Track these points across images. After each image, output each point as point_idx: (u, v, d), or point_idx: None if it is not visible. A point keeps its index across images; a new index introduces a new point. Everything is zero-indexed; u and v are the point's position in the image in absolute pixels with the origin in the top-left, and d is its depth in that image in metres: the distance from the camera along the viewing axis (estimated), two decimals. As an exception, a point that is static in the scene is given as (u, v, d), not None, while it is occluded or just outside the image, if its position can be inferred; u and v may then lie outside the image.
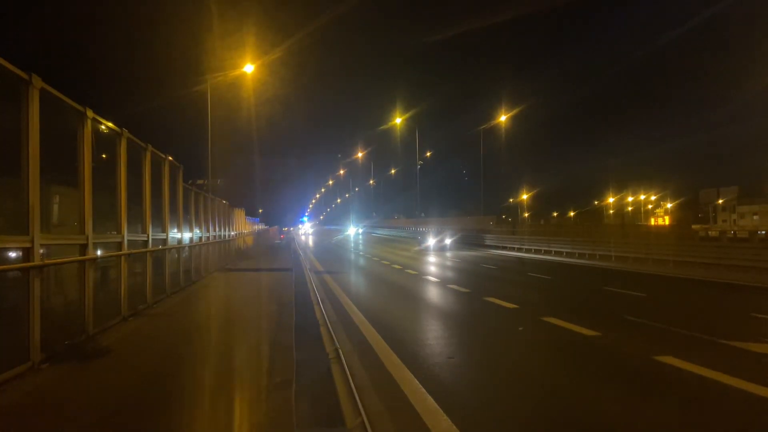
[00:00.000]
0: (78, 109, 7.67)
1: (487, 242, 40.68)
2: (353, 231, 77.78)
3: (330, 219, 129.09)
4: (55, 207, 8.27)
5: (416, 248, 38.60)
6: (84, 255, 7.69)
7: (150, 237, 11.29)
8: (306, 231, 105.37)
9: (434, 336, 9.09)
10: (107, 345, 7.43)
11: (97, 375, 6.29)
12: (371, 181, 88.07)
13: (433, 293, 15.04)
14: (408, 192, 74.84)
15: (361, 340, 8.58)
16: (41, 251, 6.42)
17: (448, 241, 38.55)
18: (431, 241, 38.66)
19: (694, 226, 61.68)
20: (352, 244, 51.81)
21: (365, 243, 53.49)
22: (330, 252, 39.95)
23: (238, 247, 30.42)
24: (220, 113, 27.67)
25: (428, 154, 72.50)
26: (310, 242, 61.42)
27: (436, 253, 33.75)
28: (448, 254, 32.55)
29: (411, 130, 65.74)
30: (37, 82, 6.28)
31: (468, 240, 43.12)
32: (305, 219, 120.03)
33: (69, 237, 7.88)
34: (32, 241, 6.21)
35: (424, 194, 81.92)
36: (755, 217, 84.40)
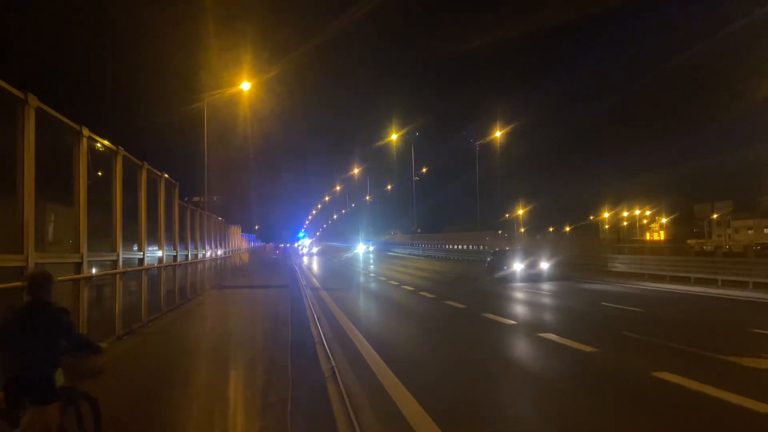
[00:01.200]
0: (74, 127, 7.69)
1: (618, 267, 25.89)
2: (362, 248, 67.12)
3: (329, 235, 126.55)
4: (50, 225, 8.25)
5: (490, 277, 25.41)
6: (79, 273, 7.66)
7: (145, 255, 11.26)
8: (309, 249, 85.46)
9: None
10: (101, 364, 7.36)
11: (91, 395, 6.21)
12: (367, 197, 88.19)
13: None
14: (414, 208, 73.60)
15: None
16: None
17: (544, 266, 24.62)
18: (516, 266, 24.37)
19: (689, 241, 61.94)
20: (371, 267, 38.83)
21: (392, 267, 37.59)
22: (339, 277, 30.60)
23: (234, 264, 30.35)
24: (217, 130, 27.85)
25: (424, 170, 72.85)
26: (315, 265, 45.74)
27: (534, 286, 20.86)
28: (555, 287, 20.48)
29: (409, 146, 66.25)
30: (33, 101, 6.30)
31: (568, 263, 28.20)
32: (302, 234, 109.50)
33: (64, 255, 7.84)
34: (27, 260, 6.18)
35: (424, 210, 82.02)
36: (750, 232, 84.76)
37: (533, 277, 23.64)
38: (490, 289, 20.58)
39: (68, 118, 7.46)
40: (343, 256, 61.12)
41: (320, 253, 75.87)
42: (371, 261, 49.03)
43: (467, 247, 49.50)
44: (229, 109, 27.28)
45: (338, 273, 34.82)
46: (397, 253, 65.47)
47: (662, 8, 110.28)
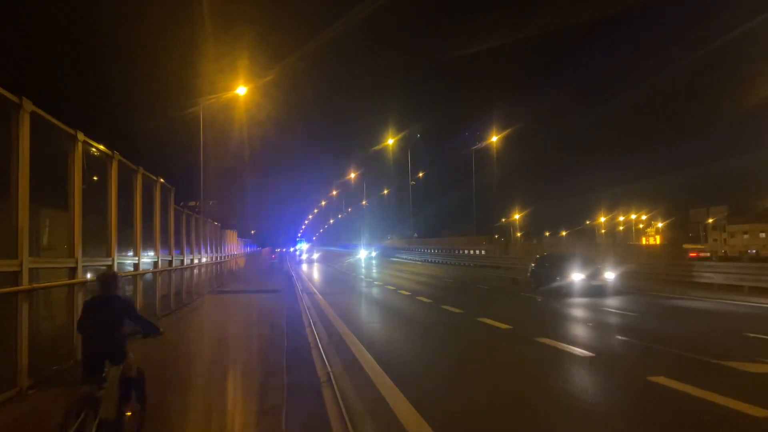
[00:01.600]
0: (69, 132, 7.66)
1: (707, 277, 20.76)
2: (364, 254, 66.52)
3: (326, 239, 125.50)
4: (45, 230, 8.21)
5: (542, 288, 20.23)
6: (73, 278, 7.62)
7: (140, 259, 11.22)
8: (309, 255, 76.45)
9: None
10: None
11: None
12: (364, 202, 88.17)
13: None
14: (411, 213, 73.33)
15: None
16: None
17: (609, 276, 19.27)
18: (575, 276, 18.96)
19: (685, 246, 62.12)
20: (373, 273, 36.55)
21: (392, 272, 36.13)
22: (335, 281, 29.40)
23: (230, 268, 30.27)
24: (213, 135, 27.81)
25: (420, 174, 72.98)
26: (312, 270, 43.59)
27: (601, 302, 16.05)
28: (643, 306, 15.78)
29: (406, 151, 66.44)
30: (28, 105, 6.28)
31: (632, 272, 23.81)
32: (302, 240, 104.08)
33: (58, 260, 7.81)
34: (21, 265, 6.15)
35: (422, 215, 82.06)
36: (745, 236, 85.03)
37: (597, 290, 18.38)
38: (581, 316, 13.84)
39: (63, 123, 7.44)
40: (344, 261, 59.01)
41: (319, 260, 70.77)
42: (373, 266, 47.70)
43: (467, 251, 49.70)
44: (225, 113, 27.27)
45: (335, 278, 34.32)
46: (398, 258, 64.61)
47: (659, 17, 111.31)
